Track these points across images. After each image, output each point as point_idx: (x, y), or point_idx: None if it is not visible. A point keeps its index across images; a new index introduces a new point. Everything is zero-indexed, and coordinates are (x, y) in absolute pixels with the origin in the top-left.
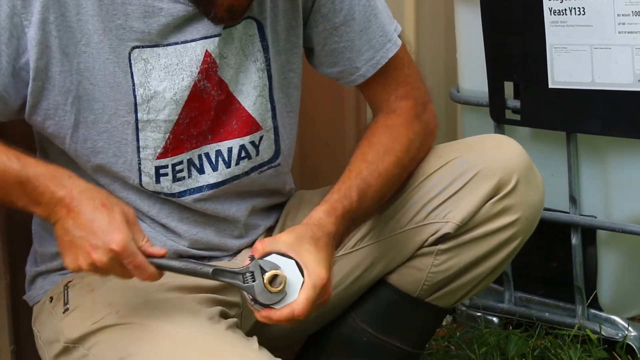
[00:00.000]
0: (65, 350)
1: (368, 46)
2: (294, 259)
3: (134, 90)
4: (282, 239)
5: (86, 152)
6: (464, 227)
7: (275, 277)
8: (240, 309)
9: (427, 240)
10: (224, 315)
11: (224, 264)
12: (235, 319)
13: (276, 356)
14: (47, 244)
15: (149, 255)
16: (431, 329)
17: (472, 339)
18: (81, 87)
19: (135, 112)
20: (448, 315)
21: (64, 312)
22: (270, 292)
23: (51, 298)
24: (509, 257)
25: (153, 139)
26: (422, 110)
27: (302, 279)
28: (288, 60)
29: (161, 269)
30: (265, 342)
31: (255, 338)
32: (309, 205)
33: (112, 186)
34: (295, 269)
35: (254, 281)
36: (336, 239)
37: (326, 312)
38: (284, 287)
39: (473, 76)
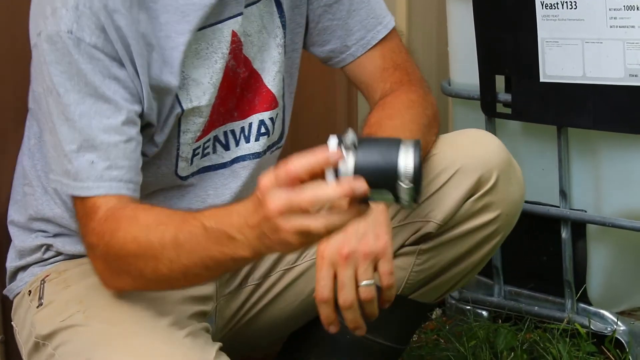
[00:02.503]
0: (36, 346)
1: (360, 26)
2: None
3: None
4: None
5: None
6: (445, 226)
7: None
8: (214, 303)
9: (408, 239)
10: (195, 317)
11: None
12: (204, 324)
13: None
14: (26, 239)
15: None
16: (415, 324)
17: (461, 332)
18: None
19: (179, 103)
20: (437, 309)
21: (37, 307)
22: None
23: (29, 292)
24: (491, 253)
25: (194, 122)
26: (422, 95)
27: None
28: (292, 40)
29: None
30: (244, 341)
31: (215, 345)
32: None
33: (147, 179)
34: None
35: None
36: None
37: (308, 310)
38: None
39: (464, 69)
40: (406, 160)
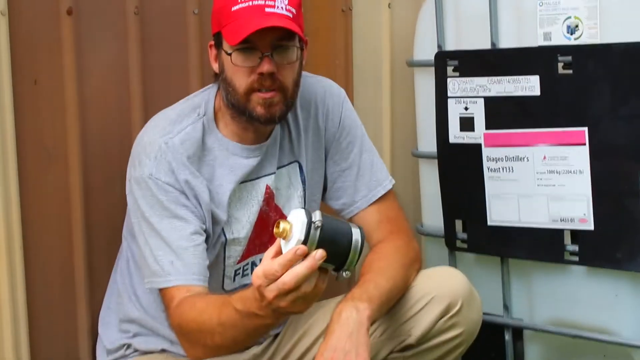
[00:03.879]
0: None
1: (364, 187)
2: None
3: (223, 220)
4: None
5: None
6: (422, 339)
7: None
8: None
9: (395, 347)
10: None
11: None
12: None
13: None
14: (114, 340)
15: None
16: None
17: None
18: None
19: (224, 235)
20: None
21: None
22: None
23: None
24: (457, 358)
25: (235, 250)
26: (407, 242)
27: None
28: (313, 193)
29: None
30: None
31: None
32: (309, 316)
33: None
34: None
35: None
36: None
37: None
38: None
39: (433, 216)
40: (356, 236)
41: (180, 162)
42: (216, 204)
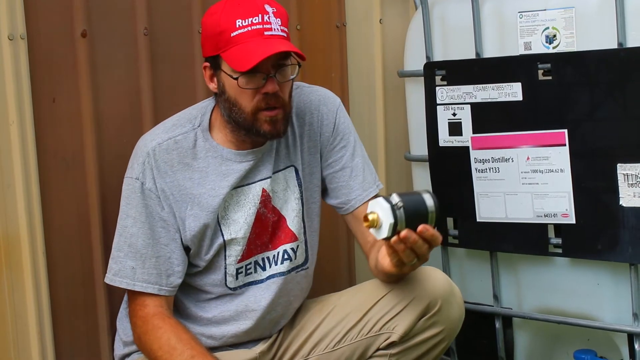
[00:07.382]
0: None
1: (358, 187)
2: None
3: (219, 223)
4: None
5: (193, 268)
6: (406, 337)
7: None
8: None
9: (380, 344)
10: None
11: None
12: None
13: None
14: (130, 333)
15: None
16: None
17: None
18: (184, 235)
19: (222, 236)
20: None
21: None
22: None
23: None
24: (440, 354)
25: (235, 249)
26: None
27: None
28: (311, 195)
29: None
30: None
31: None
32: (306, 311)
33: (205, 287)
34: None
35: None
36: None
37: None
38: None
39: None
40: (429, 202)
41: (162, 172)
42: (202, 208)
